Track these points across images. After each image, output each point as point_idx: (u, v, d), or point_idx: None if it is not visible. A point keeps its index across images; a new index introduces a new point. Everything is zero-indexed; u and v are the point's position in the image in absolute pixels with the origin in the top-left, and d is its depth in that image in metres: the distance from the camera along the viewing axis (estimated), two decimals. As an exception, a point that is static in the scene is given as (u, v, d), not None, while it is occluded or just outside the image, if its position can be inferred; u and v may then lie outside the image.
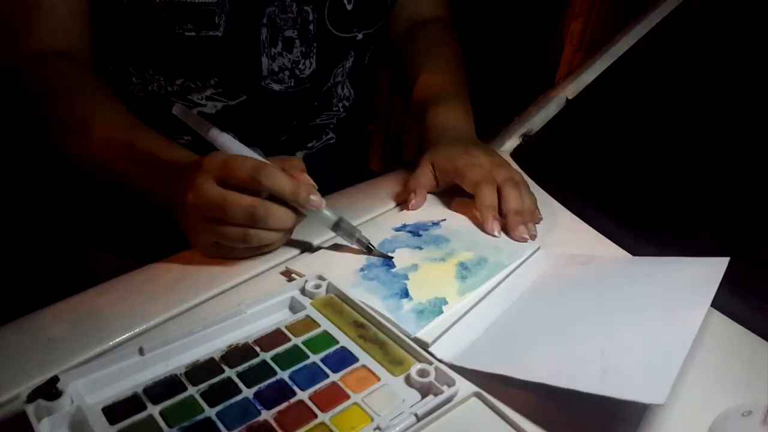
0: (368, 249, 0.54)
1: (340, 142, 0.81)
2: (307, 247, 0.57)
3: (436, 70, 0.77)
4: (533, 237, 0.59)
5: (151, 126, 0.61)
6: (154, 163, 0.55)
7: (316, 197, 0.51)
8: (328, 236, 0.58)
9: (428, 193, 0.65)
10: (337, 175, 0.73)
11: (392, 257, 0.54)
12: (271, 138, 0.73)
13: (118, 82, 0.68)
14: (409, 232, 0.59)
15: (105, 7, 0.63)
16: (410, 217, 0.62)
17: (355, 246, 0.55)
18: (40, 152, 0.75)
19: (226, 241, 0.51)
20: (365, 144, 0.94)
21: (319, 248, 0.57)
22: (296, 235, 0.58)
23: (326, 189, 0.65)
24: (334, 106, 0.76)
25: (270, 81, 0.68)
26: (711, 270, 0.47)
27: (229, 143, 0.53)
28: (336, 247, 0.57)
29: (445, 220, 0.61)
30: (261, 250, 0.54)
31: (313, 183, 0.53)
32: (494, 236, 0.58)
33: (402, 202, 0.64)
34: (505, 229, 0.59)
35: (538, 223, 0.61)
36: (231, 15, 0.62)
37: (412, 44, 0.81)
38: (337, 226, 0.54)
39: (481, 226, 0.60)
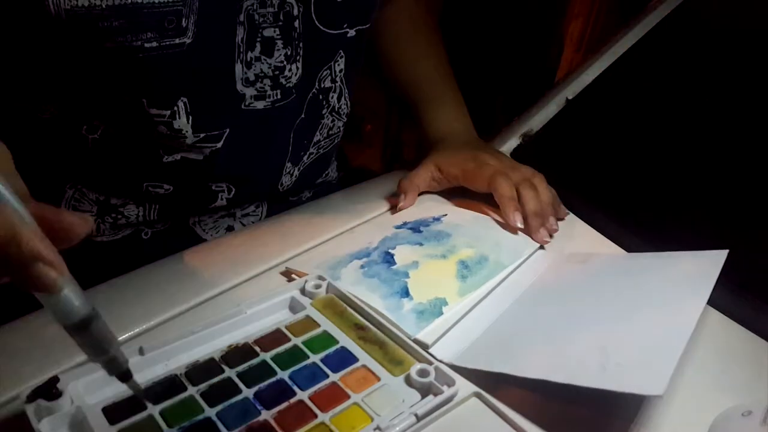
0: (124, 376, 0.35)
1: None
2: (306, 247, 0.57)
3: (418, 58, 0.73)
4: (554, 232, 0.59)
5: (121, 172, 0.55)
6: None
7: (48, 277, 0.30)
8: (327, 235, 0.58)
9: (427, 192, 0.66)
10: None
11: (146, 405, 0.39)
12: (274, 185, 0.64)
13: (62, 126, 0.54)
14: (410, 228, 0.59)
15: (26, 30, 0.46)
16: (411, 214, 0.62)
17: (102, 366, 0.34)
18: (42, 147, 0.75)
19: None
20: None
21: (318, 247, 0.57)
22: (295, 235, 0.58)
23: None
24: (326, 119, 0.66)
25: (251, 100, 0.56)
26: (710, 262, 0.47)
27: None
28: (336, 246, 0.57)
29: (446, 215, 0.61)
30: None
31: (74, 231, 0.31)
32: (517, 227, 0.58)
33: (393, 206, 0.64)
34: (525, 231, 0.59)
35: (561, 217, 0.62)
36: (202, 14, 0.49)
37: (386, 27, 0.72)
38: (83, 327, 0.33)
39: (485, 221, 0.60)
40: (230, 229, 0.66)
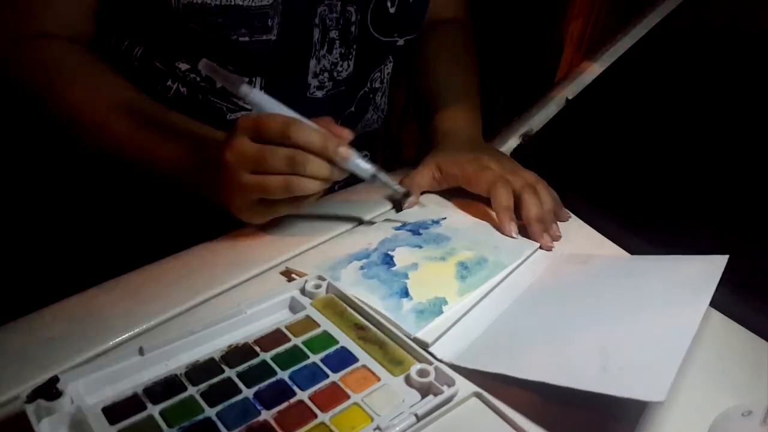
0: (405, 195, 0.61)
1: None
2: (306, 247, 0.57)
3: (448, 73, 0.78)
4: (558, 239, 0.59)
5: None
6: (182, 134, 0.57)
7: (344, 149, 0.51)
8: (328, 235, 0.58)
9: (428, 192, 0.66)
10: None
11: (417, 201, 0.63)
12: None
13: (147, 78, 0.65)
14: (410, 230, 0.59)
15: (150, 9, 0.59)
16: (411, 215, 0.62)
17: (395, 194, 0.60)
18: (41, 149, 0.75)
19: (269, 193, 0.51)
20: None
21: (318, 247, 0.57)
22: (295, 235, 0.58)
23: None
24: (370, 114, 0.75)
25: (314, 90, 0.67)
26: (710, 267, 0.47)
27: (259, 98, 0.52)
28: (336, 246, 0.57)
29: (445, 218, 0.61)
30: (302, 203, 0.53)
31: (347, 134, 0.53)
32: (512, 237, 0.58)
33: (395, 204, 0.64)
34: (524, 233, 0.59)
35: (563, 220, 0.63)
36: (284, 17, 0.60)
37: (427, 45, 0.80)
38: (374, 178, 0.55)
39: (484, 225, 0.60)
40: None
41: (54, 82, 0.59)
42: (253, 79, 0.63)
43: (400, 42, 0.71)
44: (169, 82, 0.64)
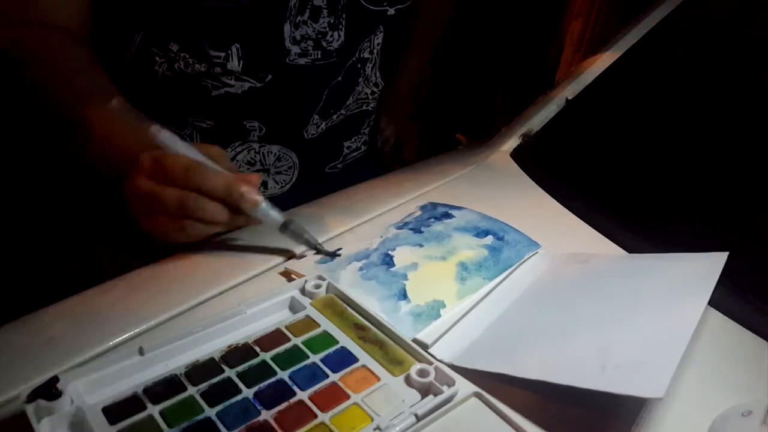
0: (316, 249, 0.55)
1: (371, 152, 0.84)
2: (306, 247, 0.57)
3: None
4: None
5: (175, 107, 0.65)
6: (113, 144, 0.54)
7: (251, 195, 0.50)
8: (327, 235, 0.58)
9: (427, 193, 0.66)
10: None
11: (339, 254, 0.55)
12: (299, 130, 0.72)
13: (141, 64, 0.66)
14: (411, 229, 0.59)
15: None
16: (412, 214, 0.62)
17: (303, 247, 0.55)
18: (43, 148, 0.75)
19: (162, 234, 0.51)
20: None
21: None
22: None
23: None
24: (360, 86, 0.75)
25: (295, 56, 0.66)
26: (710, 264, 0.47)
27: (168, 140, 0.50)
28: (336, 246, 0.56)
29: (447, 214, 0.61)
30: (201, 238, 0.52)
31: (255, 180, 0.51)
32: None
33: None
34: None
35: None
36: None
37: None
38: (285, 228, 0.53)
39: (486, 224, 0.60)
40: (264, 185, 0.74)
41: (38, 71, 0.59)
42: (229, 51, 0.63)
43: (391, 11, 0.70)
44: (156, 66, 0.65)
